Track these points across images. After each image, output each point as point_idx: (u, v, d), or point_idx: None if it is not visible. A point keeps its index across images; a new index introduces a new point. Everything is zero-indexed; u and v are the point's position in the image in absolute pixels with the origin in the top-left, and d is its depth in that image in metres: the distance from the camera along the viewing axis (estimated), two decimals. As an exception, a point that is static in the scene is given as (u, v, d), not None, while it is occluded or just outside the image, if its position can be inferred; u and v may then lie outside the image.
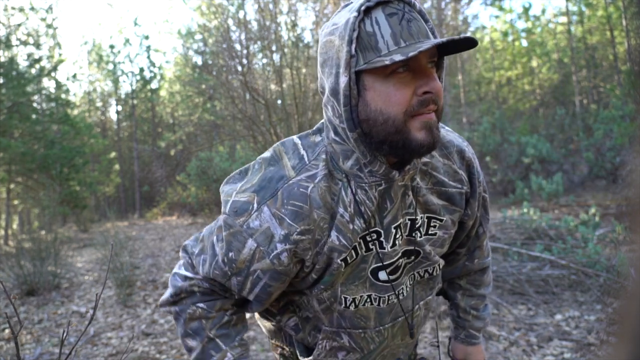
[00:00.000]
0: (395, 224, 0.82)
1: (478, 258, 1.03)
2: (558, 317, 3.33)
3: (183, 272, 0.91)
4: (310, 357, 0.91)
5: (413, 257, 0.87)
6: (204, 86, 16.09)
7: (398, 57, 0.63)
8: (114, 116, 25.40)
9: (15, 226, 17.40)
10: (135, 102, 22.64)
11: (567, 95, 19.76)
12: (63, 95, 16.23)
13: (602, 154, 9.21)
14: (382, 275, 0.85)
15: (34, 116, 12.52)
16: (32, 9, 14.77)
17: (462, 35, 0.66)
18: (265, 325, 1.03)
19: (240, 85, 6.21)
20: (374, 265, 0.83)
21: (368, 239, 0.81)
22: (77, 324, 4.34)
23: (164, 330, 3.92)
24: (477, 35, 22.72)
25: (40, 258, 5.47)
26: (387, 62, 0.64)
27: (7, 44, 12.61)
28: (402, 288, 0.89)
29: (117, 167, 23.44)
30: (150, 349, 3.52)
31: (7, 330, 4.15)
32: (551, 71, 21.15)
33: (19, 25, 13.57)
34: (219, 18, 6.79)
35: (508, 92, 22.01)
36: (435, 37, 0.72)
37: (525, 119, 13.43)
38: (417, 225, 0.84)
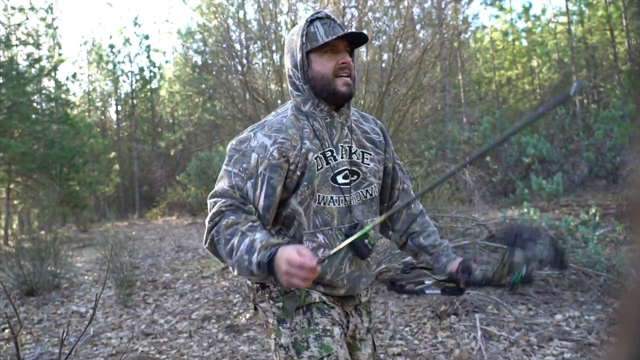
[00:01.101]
0: (340, 145, 1.28)
1: (414, 205, 1.44)
2: (558, 317, 3.33)
3: (213, 207, 1.21)
4: None
5: (356, 177, 1.29)
6: (203, 86, 16.10)
7: (325, 39, 1.19)
8: (113, 116, 25.41)
9: (15, 226, 17.39)
10: (135, 101, 22.64)
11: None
12: (63, 95, 16.22)
13: (603, 153, 9.21)
14: (340, 179, 1.26)
15: (33, 116, 12.51)
16: (32, 8, 14.76)
17: (357, 31, 1.20)
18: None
19: (240, 85, 6.20)
20: (333, 173, 1.25)
21: (327, 154, 1.25)
22: (77, 324, 4.34)
23: (164, 330, 3.92)
24: (478, 35, 22.73)
25: (40, 258, 5.46)
26: (320, 42, 1.20)
27: (7, 44, 12.60)
28: (352, 198, 1.28)
29: (116, 167, 23.43)
30: (150, 349, 3.51)
31: (7, 330, 4.15)
32: (551, 71, 21.15)
33: (19, 25, 13.57)
34: (219, 18, 6.78)
35: (508, 92, 22.01)
36: (348, 30, 1.24)
37: (526, 119, 13.43)
38: (353, 151, 1.30)
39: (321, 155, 1.24)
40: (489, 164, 9.87)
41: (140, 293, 5.26)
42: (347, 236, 1.17)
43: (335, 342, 1.21)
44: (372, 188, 1.32)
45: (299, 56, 1.23)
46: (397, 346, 3.07)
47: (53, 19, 18.35)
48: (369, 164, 1.32)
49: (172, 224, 14.09)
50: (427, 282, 1.33)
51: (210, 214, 1.20)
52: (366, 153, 1.33)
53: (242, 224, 1.14)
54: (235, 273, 1.12)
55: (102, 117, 25.38)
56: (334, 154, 1.26)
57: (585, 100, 19.34)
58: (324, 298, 1.28)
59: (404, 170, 1.48)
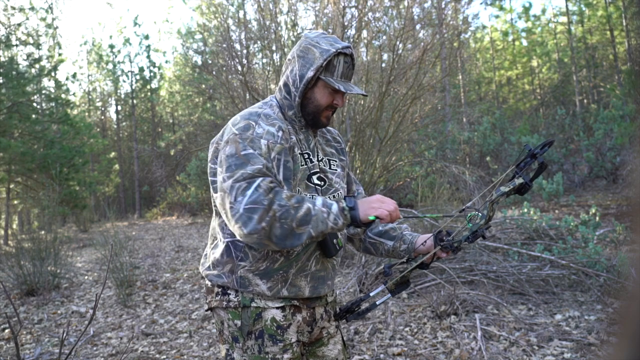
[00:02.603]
0: (314, 150, 1.39)
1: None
2: (558, 317, 3.33)
3: (246, 192, 1.12)
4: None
5: (323, 183, 1.37)
6: (203, 86, 16.09)
7: (341, 88, 1.28)
8: (113, 116, 25.41)
9: (15, 226, 17.39)
10: (135, 101, 22.63)
11: (568, 95, 19.75)
12: (63, 95, 16.22)
13: (603, 153, 9.21)
14: (314, 179, 1.35)
15: (33, 116, 12.51)
16: (32, 8, 14.76)
17: (363, 92, 1.35)
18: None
19: (240, 85, 6.20)
20: (310, 172, 1.34)
21: (305, 155, 1.34)
22: (77, 324, 4.34)
23: (164, 330, 3.92)
24: (478, 35, 22.73)
25: (40, 258, 5.46)
26: (336, 87, 1.28)
27: (7, 44, 12.60)
28: None
29: (116, 167, 23.43)
30: (150, 349, 3.51)
31: (7, 330, 4.15)
32: (551, 71, 21.15)
33: (19, 25, 13.57)
34: (219, 18, 6.78)
35: (508, 92, 22.01)
36: (351, 80, 1.38)
37: (526, 118, 13.42)
38: (320, 158, 1.39)
39: (303, 154, 1.34)
40: (489, 163, 9.87)
41: (140, 293, 5.26)
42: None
43: None
44: (337, 194, 1.39)
45: (310, 74, 1.28)
46: (397, 346, 3.07)
47: (53, 19, 18.36)
48: (336, 170, 1.43)
49: (172, 224, 14.08)
50: (372, 293, 1.42)
51: (255, 195, 1.10)
52: (332, 160, 1.45)
53: (293, 197, 1.15)
54: (313, 234, 1.13)
55: (102, 117, 25.37)
56: (310, 157, 1.36)
57: (585, 100, 19.34)
58: (280, 317, 1.27)
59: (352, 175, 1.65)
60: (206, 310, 1.47)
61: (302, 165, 1.31)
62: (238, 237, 1.15)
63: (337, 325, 1.46)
